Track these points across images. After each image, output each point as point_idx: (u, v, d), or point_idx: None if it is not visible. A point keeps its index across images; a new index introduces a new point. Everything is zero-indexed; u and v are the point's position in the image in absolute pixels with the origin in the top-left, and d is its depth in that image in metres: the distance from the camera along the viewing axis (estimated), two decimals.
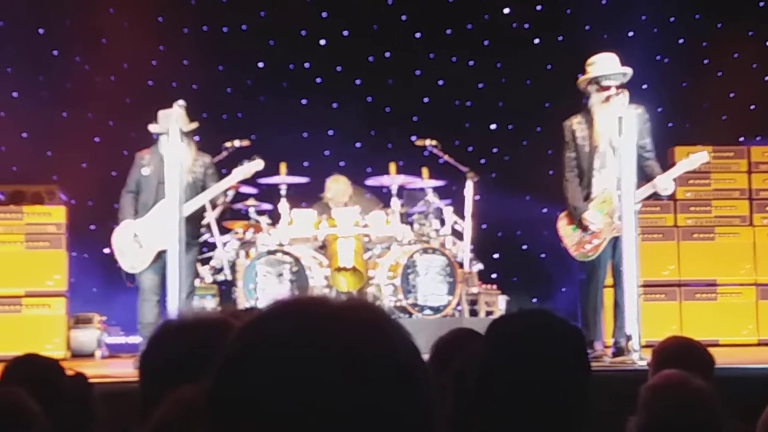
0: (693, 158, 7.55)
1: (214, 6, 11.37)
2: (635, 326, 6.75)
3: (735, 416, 3.22)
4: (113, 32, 10.79)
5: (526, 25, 11.80)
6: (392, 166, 9.23)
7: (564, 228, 7.49)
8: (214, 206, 8.54)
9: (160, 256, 7.62)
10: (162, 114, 7.71)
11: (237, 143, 8.58)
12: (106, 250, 7.89)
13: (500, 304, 9.43)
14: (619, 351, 7.07)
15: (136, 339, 8.56)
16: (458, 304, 8.87)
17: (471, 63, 11.74)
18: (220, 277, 9.12)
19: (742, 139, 10.70)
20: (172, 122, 7.45)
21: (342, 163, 10.46)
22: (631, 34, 11.43)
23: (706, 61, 11.64)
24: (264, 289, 8.42)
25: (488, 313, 9.18)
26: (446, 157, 9.36)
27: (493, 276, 10.23)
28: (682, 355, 3.67)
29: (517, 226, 11.37)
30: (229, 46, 11.30)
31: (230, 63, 11.30)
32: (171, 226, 6.87)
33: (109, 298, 9.47)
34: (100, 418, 3.02)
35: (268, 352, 1.05)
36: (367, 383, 1.03)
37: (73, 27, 10.90)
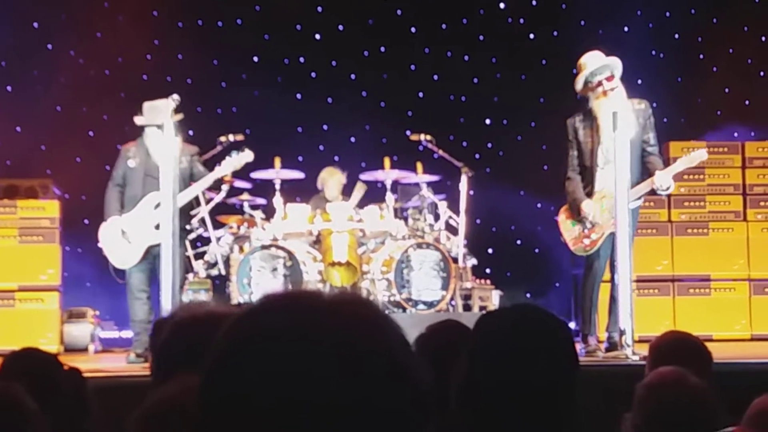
0: (693, 155, 7.56)
1: (209, 0, 11.35)
2: (628, 321, 6.76)
3: (728, 411, 3.23)
4: (108, 26, 10.78)
5: (522, 20, 11.79)
6: (387, 161, 9.23)
7: (564, 222, 7.53)
8: (207, 201, 8.54)
9: (149, 251, 7.62)
10: (147, 106, 7.68)
11: (231, 137, 8.58)
12: (100, 245, 7.88)
13: (494, 299, 9.43)
14: (612, 346, 7.09)
15: (129, 333, 8.55)
16: (452, 299, 8.87)
17: (466, 58, 11.73)
18: (214, 272, 9.10)
19: (736, 134, 10.72)
20: (161, 114, 7.44)
21: (336, 158, 10.45)
22: (626, 29, 11.43)
23: (701, 56, 11.65)
24: (258, 284, 8.41)
25: (482, 308, 9.18)
26: (441, 152, 9.36)
27: (487, 271, 10.23)
28: (679, 350, 3.67)
29: (512, 221, 11.37)
30: (223, 41, 11.29)
31: (225, 57, 11.28)
32: (165, 219, 6.85)
33: (103, 292, 9.45)
34: (93, 413, 3.02)
35: (259, 347, 1.05)
36: (358, 378, 1.03)
37: (68, 21, 10.87)
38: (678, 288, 9.84)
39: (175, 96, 7.01)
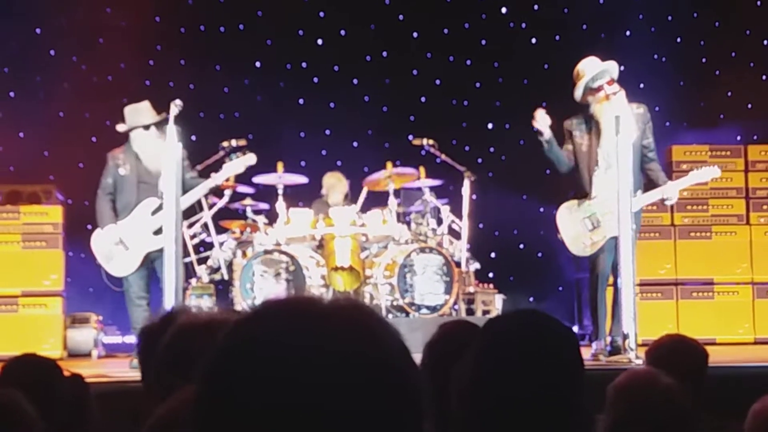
0: (705, 171, 7.58)
1: (212, 5, 11.36)
2: (632, 325, 6.76)
3: (731, 415, 3.22)
4: (110, 32, 10.78)
5: (523, 25, 11.80)
6: (389, 166, 9.23)
7: (563, 221, 7.48)
8: (210, 206, 8.53)
9: (147, 257, 7.59)
10: (128, 110, 7.67)
11: (234, 143, 8.57)
12: (94, 253, 7.83)
13: (497, 303, 9.43)
14: (615, 350, 7.09)
15: (132, 339, 8.55)
16: (455, 303, 8.87)
17: (468, 62, 11.74)
18: (217, 277, 9.10)
19: (739, 137, 10.71)
20: (144, 114, 7.44)
21: (339, 163, 10.46)
22: (628, 33, 11.43)
23: (703, 60, 11.65)
24: (261, 289, 8.41)
25: (485, 312, 9.18)
26: (443, 157, 9.36)
27: (490, 275, 10.23)
28: (674, 352, 3.67)
29: (514, 226, 11.37)
30: (226, 46, 11.29)
31: (227, 62, 11.29)
32: (167, 225, 6.82)
33: (106, 297, 9.44)
34: (94, 419, 3.02)
35: (257, 352, 1.05)
36: (356, 383, 1.03)
37: (70, 27, 10.88)
38: (681, 291, 9.83)
39: (178, 101, 7.01)
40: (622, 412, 2.70)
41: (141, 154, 7.60)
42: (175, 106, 6.98)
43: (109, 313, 9.86)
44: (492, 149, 11.62)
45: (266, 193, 9.31)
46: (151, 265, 7.61)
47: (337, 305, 1.09)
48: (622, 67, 7.49)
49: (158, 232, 7.31)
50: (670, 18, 11.64)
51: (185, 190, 7.51)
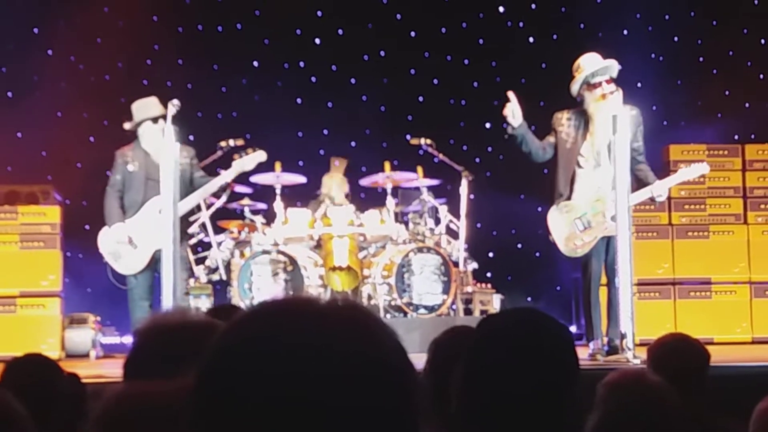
0: (693, 168, 7.57)
1: (209, 5, 11.36)
2: (629, 325, 6.75)
3: (730, 414, 3.22)
4: (108, 31, 10.78)
5: (521, 24, 11.80)
6: (387, 165, 9.23)
7: (554, 221, 7.44)
8: (208, 206, 8.52)
9: (155, 255, 7.56)
10: (136, 105, 7.64)
11: (232, 142, 8.55)
12: (100, 251, 7.83)
13: (495, 303, 9.44)
14: (613, 349, 7.08)
15: (130, 339, 8.54)
16: (453, 303, 8.87)
17: (466, 62, 11.74)
18: (215, 277, 9.10)
19: (736, 137, 10.72)
20: (152, 108, 7.43)
21: (336, 163, 10.45)
22: (625, 32, 11.44)
23: (701, 59, 11.65)
24: (259, 289, 8.42)
25: (483, 312, 9.19)
26: (441, 156, 9.36)
27: (488, 275, 10.23)
28: (676, 351, 3.67)
29: (512, 225, 11.37)
30: (223, 45, 11.29)
31: (225, 62, 11.29)
32: (166, 225, 6.80)
33: (104, 298, 9.44)
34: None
35: (252, 351, 1.05)
36: (351, 382, 1.04)
37: (68, 26, 10.87)
38: (679, 291, 9.83)
39: (176, 101, 7.00)
40: (611, 409, 2.72)
41: (150, 149, 7.53)
42: (173, 106, 6.97)
43: (108, 314, 9.85)
44: (490, 149, 11.61)
45: (264, 193, 9.31)
46: (156, 264, 7.59)
47: (334, 305, 1.09)
48: (620, 67, 7.48)
49: None
50: (667, 17, 11.65)
51: (195, 189, 7.51)
